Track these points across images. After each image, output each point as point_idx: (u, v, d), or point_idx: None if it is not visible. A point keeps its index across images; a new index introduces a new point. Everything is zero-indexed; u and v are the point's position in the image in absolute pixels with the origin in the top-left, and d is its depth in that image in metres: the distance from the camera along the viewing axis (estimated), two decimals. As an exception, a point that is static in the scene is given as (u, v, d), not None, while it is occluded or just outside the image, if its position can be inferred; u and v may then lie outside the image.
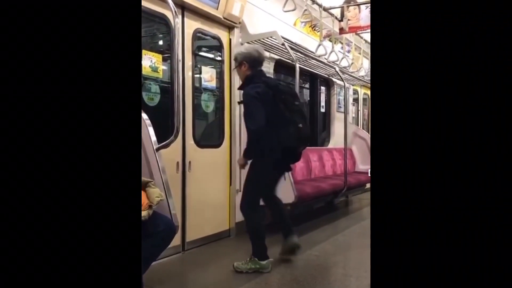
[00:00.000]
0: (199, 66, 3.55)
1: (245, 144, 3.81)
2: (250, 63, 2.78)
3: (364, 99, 7.75)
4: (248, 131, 2.72)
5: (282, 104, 2.70)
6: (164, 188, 2.21)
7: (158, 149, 2.29)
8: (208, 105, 3.67)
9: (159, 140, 2.34)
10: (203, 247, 3.44)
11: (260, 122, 2.61)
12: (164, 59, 3.15)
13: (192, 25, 3.40)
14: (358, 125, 7.26)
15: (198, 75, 3.53)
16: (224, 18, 3.62)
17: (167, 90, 3.16)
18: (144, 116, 2.28)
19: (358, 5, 5.12)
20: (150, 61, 2.99)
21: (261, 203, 2.97)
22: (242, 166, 2.95)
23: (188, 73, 3.36)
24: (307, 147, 3.18)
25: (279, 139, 2.68)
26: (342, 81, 5.43)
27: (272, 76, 4.18)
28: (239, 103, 2.86)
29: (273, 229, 3.04)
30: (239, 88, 2.92)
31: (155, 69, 3.04)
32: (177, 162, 3.21)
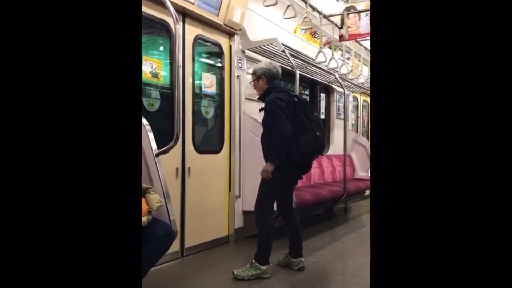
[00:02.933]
0: (199, 72, 3.56)
1: (245, 150, 3.85)
2: (269, 78, 2.92)
3: (363, 106, 7.77)
4: (276, 136, 2.71)
5: (302, 113, 2.80)
6: (164, 193, 2.20)
7: (157, 155, 2.29)
8: (208, 111, 3.68)
9: (159, 145, 2.34)
10: (202, 253, 3.43)
11: (288, 125, 2.70)
12: (164, 65, 3.16)
13: (192, 31, 3.41)
14: (357, 132, 7.26)
15: (198, 81, 3.54)
16: (225, 24, 3.63)
17: (168, 96, 3.16)
18: (144, 121, 2.28)
19: (358, 12, 5.14)
20: (150, 67, 3.00)
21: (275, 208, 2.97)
22: (269, 174, 2.75)
23: (189, 79, 3.37)
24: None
25: (299, 145, 2.74)
26: (342, 88, 5.44)
27: None
28: (260, 110, 2.89)
29: (276, 234, 3.01)
30: (259, 99, 3.02)
31: (155, 75, 3.05)
32: (177, 168, 3.21)
